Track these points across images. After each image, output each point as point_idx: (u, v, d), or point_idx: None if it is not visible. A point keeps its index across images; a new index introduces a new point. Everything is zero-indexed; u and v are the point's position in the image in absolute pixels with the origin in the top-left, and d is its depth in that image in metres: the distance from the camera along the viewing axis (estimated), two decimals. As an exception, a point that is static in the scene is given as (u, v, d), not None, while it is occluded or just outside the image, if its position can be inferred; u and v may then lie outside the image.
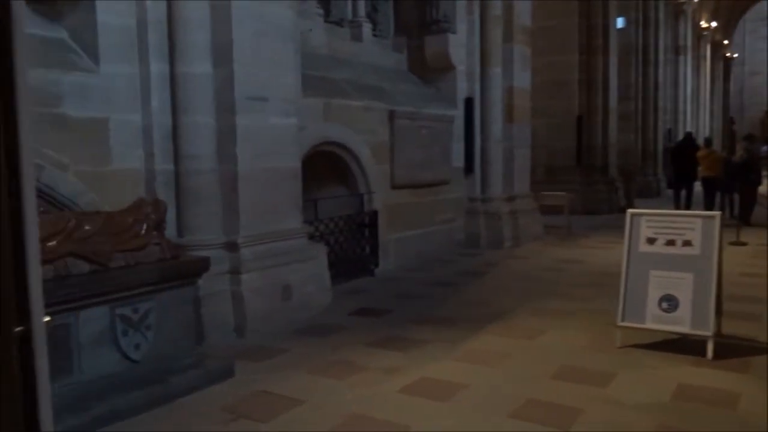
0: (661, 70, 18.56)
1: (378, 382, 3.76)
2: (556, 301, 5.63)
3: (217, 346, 4.45)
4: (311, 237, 5.92)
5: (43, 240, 3.13)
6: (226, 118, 4.74)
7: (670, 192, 17.19)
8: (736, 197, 11.38)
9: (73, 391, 3.22)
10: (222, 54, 4.67)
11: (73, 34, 4.48)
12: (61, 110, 4.20)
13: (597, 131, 13.08)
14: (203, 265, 3.94)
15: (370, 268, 6.92)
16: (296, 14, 5.30)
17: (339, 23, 7.53)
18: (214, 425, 3.24)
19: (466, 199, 8.73)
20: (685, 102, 23.24)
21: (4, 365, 1.18)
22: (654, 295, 4.31)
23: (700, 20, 25.28)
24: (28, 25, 4.27)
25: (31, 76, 3.94)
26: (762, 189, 12.21)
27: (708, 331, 4.08)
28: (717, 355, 4.04)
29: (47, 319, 1.31)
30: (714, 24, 27.11)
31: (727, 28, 31.66)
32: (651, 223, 4.46)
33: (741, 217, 10.47)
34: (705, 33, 26.49)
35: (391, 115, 7.23)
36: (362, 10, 7.82)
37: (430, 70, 8.41)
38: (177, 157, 4.71)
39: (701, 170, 12.30)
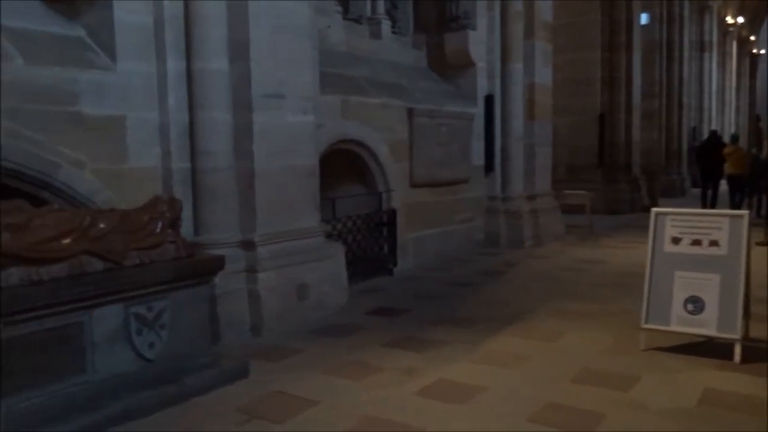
0: (685, 67, 18.26)
1: (394, 384, 3.69)
2: (577, 302, 5.52)
3: (233, 345, 4.42)
4: (329, 236, 5.87)
5: (58, 238, 3.12)
6: (242, 115, 4.70)
7: (695, 191, 16.97)
8: (764, 197, 11.14)
9: (86, 390, 3.19)
10: (239, 51, 4.64)
11: (90, 32, 4.47)
12: (78, 108, 4.18)
13: (620, 129, 12.87)
14: (218, 263, 3.91)
15: (388, 267, 6.85)
16: (314, 11, 5.25)
17: (358, 20, 7.47)
18: (228, 426, 3.19)
19: (486, 197, 8.63)
20: (710, 99, 22.84)
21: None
22: (679, 296, 4.19)
23: (725, 16, 24.83)
24: (45, 23, 4.30)
25: (47, 74, 3.98)
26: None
27: (735, 334, 3.96)
28: (744, 359, 3.91)
29: None
30: (740, 20, 26.61)
31: (754, 24, 31.03)
32: (676, 223, 4.34)
33: (768, 217, 10.23)
34: (731, 29, 26.02)
35: (410, 113, 7.16)
36: (381, 7, 7.75)
37: (449, 67, 8.32)
38: (193, 154, 4.68)
39: (727, 167, 12.08)
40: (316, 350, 4.34)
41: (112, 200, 4.33)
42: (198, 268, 3.73)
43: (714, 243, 4.18)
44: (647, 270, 4.31)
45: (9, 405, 2.92)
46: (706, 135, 15.55)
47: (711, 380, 3.67)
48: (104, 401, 3.22)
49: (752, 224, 4.20)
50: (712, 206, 11.89)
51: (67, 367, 3.15)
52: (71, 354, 3.16)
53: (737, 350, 3.94)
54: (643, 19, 14.82)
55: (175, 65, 4.58)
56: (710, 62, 22.33)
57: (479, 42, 8.26)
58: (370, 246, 6.70)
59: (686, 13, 18.04)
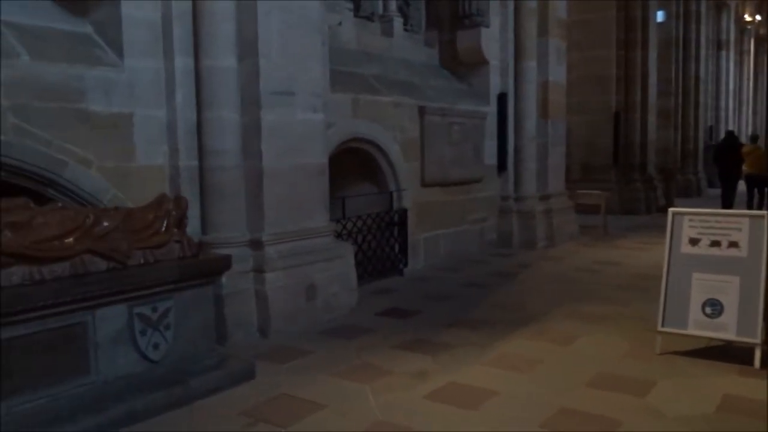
0: (702, 66, 17.99)
1: (404, 388, 3.61)
2: (591, 305, 5.40)
3: (240, 346, 4.36)
4: (339, 235, 5.80)
5: (60, 236, 3.07)
6: (251, 113, 4.64)
7: (711, 191, 16.74)
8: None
9: (90, 392, 3.14)
10: (247, 47, 4.57)
11: (98, 29, 4.43)
12: (85, 105, 4.14)
13: (635, 128, 12.69)
14: (225, 263, 3.84)
15: (398, 267, 6.77)
16: (324, 6, 5.18)
17: (369, 18, 7.39)
18: (232, 429, 3.12)
19: (499, 197, 8.52)
20: (726, 99, 22.54)
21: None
22: (697, 299, 4.07)
23: (743, 14, 24.49)
24: (53, 20, 4.26)
25: (53, 71, 3.93)
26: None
27: (755, 338, 3.84)
28: (765, 364, 3.79)
29: None
30: (758, 18, 26.24)
31: (772, 22, 30.60)
32: (694, 223, 4.22)
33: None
34: (748, 27, 25.66)
35: (422, 111, 7.07)
36: (393, 4, 7.66)
37: (462, 65, 8.22)
38: (201, 152, 4.63)
39: (745, 167, 11.89)
40: (325, 352, 4.26)
41: (119, 199, 4.29)
42: (204, 268, 3.67)
43: (733, 244, 4.06)
44: (664, 271, 4.20)
45: (10, 406, 2.87)
46: (722, 135, 15.30)
47: (730, 386, 3.55)
48: (108, 403, 3.17)
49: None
50: (730, 206, 11.71)
51: (70, 368, 3.10)
52: (74, 355, 3.11)
53: (757, 355, 3.82)
54: (660, 16, 14.61)
55: (183, 62, 4.52)
56: (727, 61, 22.05)
57: (492, 39, 8.15)
58: (380, 246, 6.62)
59: (703, 10, 17.77)
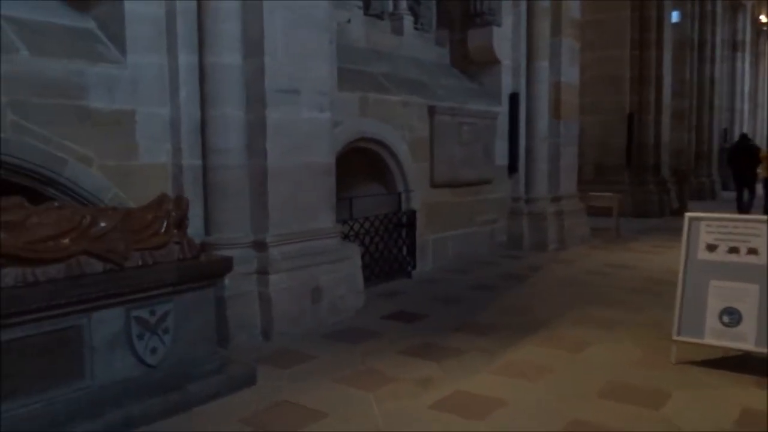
0: (717, 67, 17.74)
1: (409, 396, 3.49)
2: (603, 310, 5.26)
3: (243, 349, 4.26)
4: (346, 236, 5.70)
5: (56, 237, 2.97)
6: (256, 111, 4.53)
7: (725, 194, 16.51)
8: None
9: (86, 397, 3.04)
10: (252, 44, 4.47)
11: (101, 25, 4.35)
12: (86, 102, 4.05)
13: (649, 129, 12.49)
14: (226, 265, 3.74)
15: (406, 269, 6.65)
16: (331, 4, 5.07)
17: (379, 16, 7.28)
18: (230, 438, 3.03)
19: (510, 199, 8.38)
20: (742, 101, 22.22)
21: None
22: (714, 307, 3.93)
23: (759, 15, 24.15)
24: (54, 15, 4.18)
25: (54, 66, 3.84)
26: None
27: (775, 349, 3.70)
28: (785, 376, 3.65)
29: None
30: (774, 19, 25.88)
31: (789, 23, 30.17)
32: (711, 229, 4.08)
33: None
34: (765, 28, 25.31)
35: (431, 111, 6.94)
36: (404, 3, 7.55)
37: (473, 65, 8.09)
38: (205, 151, 4.53)
39: (762, 171, 11.70)
40: (328, 357, 4.15)
41: (120, 198, 4.20)
42: (204, 270, 3.57)
43: (752, 251, 3.91)
44: (680, 278, 4.06)
45: (4, 410, 2.78)
46: (737, 137, 15.08)
47: (749, 399, 3.41)
48: (104, 408, 3.07)
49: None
50: (747, 211, 11.52)
51: (65, 373, 3.00)
52: (69, 359, 3.01)
53: (777, 366, 3.68)
54: (674, 16, 14.41)
55: (187, 59, 4.43)
56: (743, 62, 21.72)
57: (504, 39, 8.02)
58: (388, 247, 6.50)
59: (719, 10, 17.52)
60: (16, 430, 2.79)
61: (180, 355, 3.44)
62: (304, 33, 4.69)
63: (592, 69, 11.65)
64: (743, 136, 13.19)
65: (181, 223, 3.55)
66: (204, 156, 4.53)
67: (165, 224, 3.45)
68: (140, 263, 3.29)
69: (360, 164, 6.52)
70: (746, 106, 23.03)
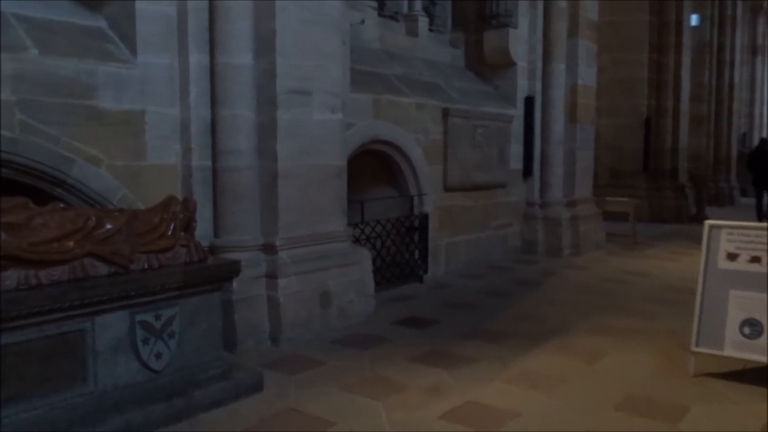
0: (737, 71, 17.47)
1: (418, 405, 3.40)
2: (619, 318, 5.14)
3: (250, 354, 4.20)
4: (357, 240, 5.62)
5: (60, 239, 2.91)
6: (266, 112, 4.47)
7: (744, 200, 16.25)
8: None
9: (88, 402, 2.98)
10: (264, 44, 4.40)
11: (112, 24, 4.30)
12: (95, 102, 4.00)
13: (666, 134, 12.31)
14: (233, 269, 3.67)
15: (418, 273, 6.56)
16: (345, 4, 4.99)
17: (394, 17, 7.21)
18: (235, 447, 2.96)
19: (524, 203, 8.26)
20: (761, 105, 21.91)
21: None
22: (734, 318, 3.80)
23: (780, 19, 23.79)
24: (65, 14, 4.14)
25: (63, 65, 3.80)
26: None
27: (799, 363, 3.57)
28: (809, 391, 3.53)
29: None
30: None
31: (810, 27, 29.73)
32: (732, 237, 3.95)
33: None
34: (785, 32, 24.93)
35: (445, 113, 6.85)
36: (419, 4, 7.48)
37: (488, 67, 7.99)
38: (215, 152, 4.47)
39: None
40: (337, 363, 4.07)
41: (129, 199, 4.15)
42: (211, 274, 3.49)
43: (775, 260, 3.79)
44: (699, 287, 3.94)
45: (4, 416, 2.72)
46: (757, 142, 14.85)
47: (772, 414, 3.29)
48: (107, 414, 3.01)
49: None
50: (765, 216, 11.32)
51: (68, 378, 2.94)
52: (72, 363, 2.95)
53: (801, 381, 3.56)
54: (693, 20, 14.20)
55: (197, 59, 4.37)
56: (763, 66, 21.43)
57: (520, 41, 7.91)
58: (400, 251, 6.42)
59: (739, 14, 17.26)
60: (17, 436, 2.74)
61: (185, 360, 3.38)
62: (316, 33, 4.63)
63: (609, 72, 11.50)
64: (763, 141, 12.97)
65: (188, 226, 3.49)
66: (214, 157, 4.47)
67: (172, 227, 3.38)
68: (146, 266, 3.22)
69: (372, 167, 6.44)
70: (766, 111, 22.71)
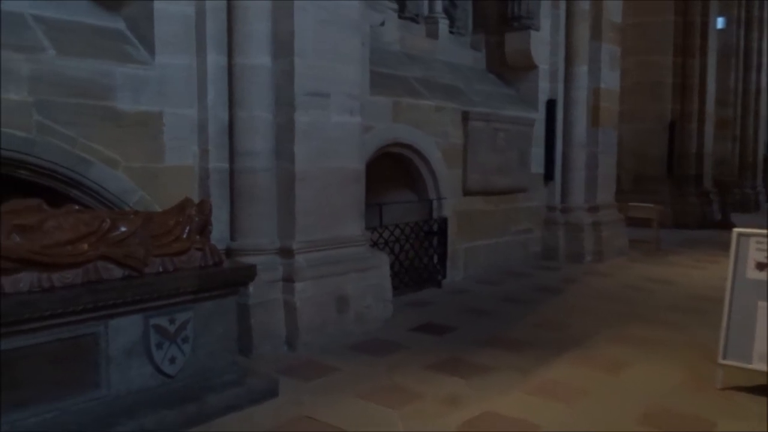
0: (764, 75, 17.13)
1: (435, 415, 3.33)
2: (643, 328, 5.02)
3: (266, 359, 4.15)
4: (374, 244, 5.56)
5: (73, 241, 2.88)
6: (284, 114, 4.42)
7: (769, 207, 15.95)
8: None
9: (99, 407, 2.95)
10: (282, 45, 4.36)
11: (130, 25, 4.28)
12: (113, 103, 3.98)
13: (691, 138, 12.08)
14: (249, 273, 3.62)
15: (436, 278, 6.48)
16: (364, 5, 4.94)
17: (414, 19, 7.14)
18: (247, 455, 2.90)
19: (545, 208, 8.14)
20: (789, 110, 21.47)
21: None
22: (763, 329, 3.67)
23: (809, 22, 23.32)
24: (84, 15, 4.12)
25: (81, 66, 3.78)
26: None
27: (832, 378, 3.44)
28: (843, 408, 3.39)
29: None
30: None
31: (839, 30, 29.14)
32: (761, 246, 3.81)
33: None
34: (814, 35, 24.44)
35: (465, 116, 6.77)
36: (439, 5, 7.40)
37: (509, 70, 7.89)
38: (232, 154, 4.43)
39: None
40: (353, 369, 4.01)
41: (146, 201, 4.13)
42: (226, 278, 3.45)
43: (807, 271, 3.66)
44: (726, 298, 3.81)
45: (14, 420, 2.70)
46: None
47: (803, 431, 3.17)
48: (119, 419, 2.98)
49: None
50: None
51: (79, 382, 2.91)
52: (84, 367, 2.93)
53: (834, 396, 3.42)
54: (720, 22, 13.96)
55: (215, 60, 4.33)
56: (790, 70, 20.99)
57: (542, 43, 7.79)
58: (418, 256, 6.34)
59: (766, 16, 16.93)
60: (27, 441, 2.71)
61: (199, 365, 3.34)
62: (335, 34, 4.57)
63: (632, 75, 11.32)
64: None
65: (203, 229, 3.45)
66: (231, 159, 4.44)
67: (187, 229, 3.35)
68: (160, 270, 3.19)
69: (391, 170, 6.38)
70: (793, 116, 22.26)
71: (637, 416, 3.33)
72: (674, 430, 3.18)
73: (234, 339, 3.55)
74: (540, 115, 7.89)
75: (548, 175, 8.07)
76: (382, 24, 6.27)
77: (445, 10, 7.55)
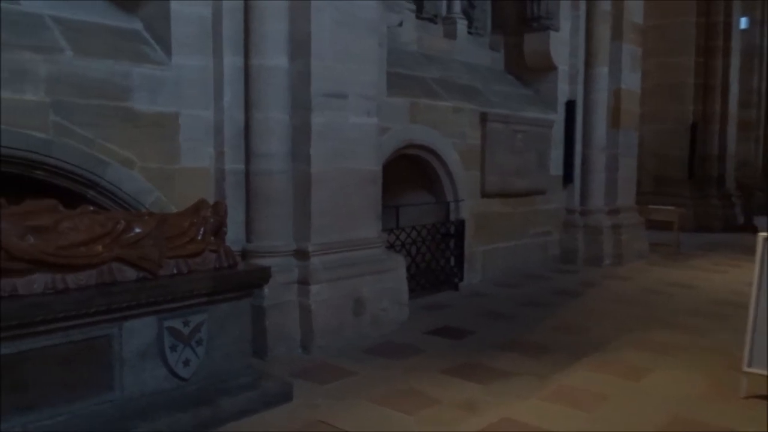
0: (788, 76, 16.83)
1: (452, 421, 3.27)
2: (664, 333, 4.92)
3: (281, 360, 4.13)
4: (391, 246, 5.51)
5: (87, 242, 2.87)
6: (300, 116, 4.39)
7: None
8: None
9: (112, 409, 2.93)
10: (299, 46, 4.33)
11: (147, 26, 4.28)
12: (130, 104, 3.98)
13: (713, 140, 11.89)
14: (263, 275, 3.59)
15: (453, 281, 6.41)
16: (382, 6, 4.90)
17: (432, 20, 7.08)
18: (260, 460, 2.87)
19: (564, 210, 8.04)
20: (813, 111, 21.07)
21: None
22: (791, 337, 3.58)
23: (834, 21, 22.91)
24: (102, 16, 4.13)
25: (98, 67, 3.77)
26: None
27: None
28: None
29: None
30: None
31: None
32: (788, 250, 3.72)
33: None
34: (840, 36, 24.01)
35: (483, 118, 6.70)
36: (457, 5, 7.34)
37: (528, 71, 7.81)
38: (248, 155, 4.41)
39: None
40: (368, 373, 3.96)
41: (162, 202, 4.12)
42: (241, 280, 3.43)
43: (836, 276, 3.55)
44: (751, 304, 3.71)
45: (26, 422, 2.68)
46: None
47: (832, 443, 3.07)
48: (132, 422, 2.96)
49: None
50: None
51: (93, 384, 2.90)
52: (98, 369, 2.91)
53: None
54: (743, 23, 13.72)
55: (232, 61, 4.32)
56: (815, 71, 20.62)
57: (562, 44, 7.70)
58: (435, 258, 6.28)
59: (790, 17, 16.63)
60: (40, 443, 2.70)
61: (213, 368, 3.31)
62: (352, 35, 4.54)
63: (654, 77, 11.17)
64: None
65: (218, 230, 3.43)
66: (247, 160, 4.41)
67: (202, 231, 3.33)
68: (175, 272, 3.17)
69: (408, 171, 6.33)
70: (818, 118, 21.86)
71: (658, 425, 3.25)
72: (697, 439, 3.11)
73: (248, 342, 3.52)
74: (559, 117, 7.80)
75: (567, 177, 7.97)
76: (400, 24, 6.22)
77: (464, 11, 7.48)
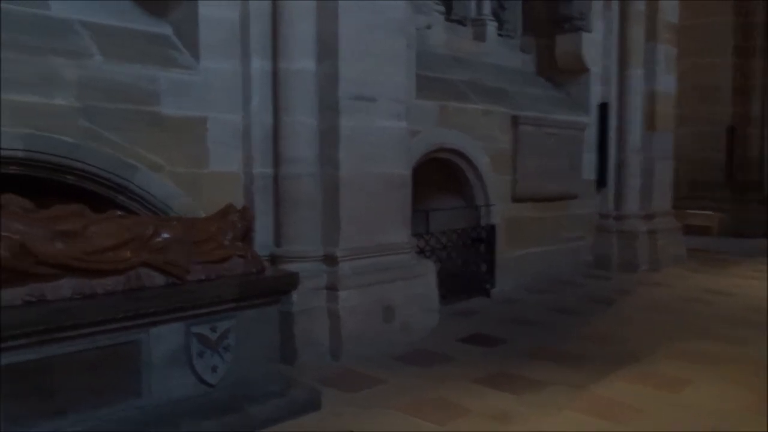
0: (829, 76, 16.34)
1: (483, 432, 3.18)
2: (704, 343, 4.75)
3: (310, 367, 4.07)
4: (421, 251, 5.43)
5: (115, 248, 2.85)
6: (328, 119, 4.35)
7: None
8: None
9: (139, 416, 2.90)
10: (326, 48, 4.29)
11: (176, 30, 4.28)
12: (158, 108, 3.97)
13: (752, 143, 11.54)
14: (291, 281, 3.54)
15: (484, 287, 6.30)
16: (410, 7, 4.84)
17: (461, 22, 7.00)
18: (288, 470, 2.81)
19: (597, 215, 7.87)
20: None
21: None
22: (841, 348, 3.41)
23: None
24: (132, 20, 4.14)
25: (126, 72, 3.77)
26: None
27: None
28: None
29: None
30: None
31: None
32: (838, 257, 3.55)
33: None
34: None
35: (514, 121, 6.59)
36: (487, 8, 7.24)
37: (559, 73, 7.66)
38: (276, 160, 4.37)
39: None
40: (398, 381, 3.89)
41: (190, 206, 4.09)
42: (269, 286, 3.38)
43: None
44: (799, 313, 3.55)
45: (54, 428, 2.67)
46: None
47: None
48: (159, 428, 2.93)
49: None
50: None
51: (120, 390, 2.87)
52: (125, 376, 2.89)
53: None
54: (782, 22, 13.35)
55: (260, 64, 4.29)
56: None
57: (594, 45, 7.55)
58: (465, 264, 6.18)
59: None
60: (67, 449, 2.68)
61: (241, 374, 3.27)
62: (380, 37, 4.48)
63: (689, 77, 10.88)
64: None
65: (245, 236, 3.39)
66: (275, 165, 4.38)
67: (229, 236, 3.30)
68: (202, 277, 3.13)
69: (437, 175, 6.25)
70: None
71: (700, 439, 3.12)
72: (743, 455, 2.96)
73: (276, 348, 3.48)
74: (592, 120, 7.64)
75: (601, 181, 7.80)
76: (429, 27, 6.16)
77: (494, 12, 7.38)
